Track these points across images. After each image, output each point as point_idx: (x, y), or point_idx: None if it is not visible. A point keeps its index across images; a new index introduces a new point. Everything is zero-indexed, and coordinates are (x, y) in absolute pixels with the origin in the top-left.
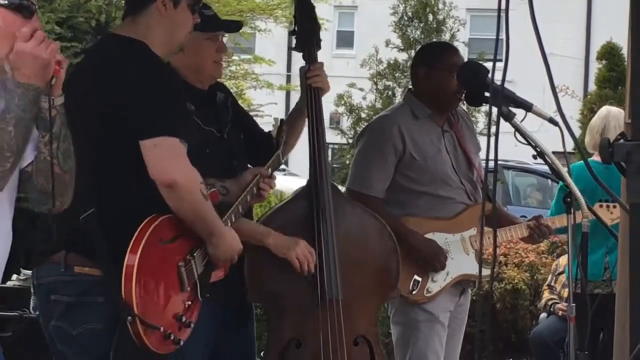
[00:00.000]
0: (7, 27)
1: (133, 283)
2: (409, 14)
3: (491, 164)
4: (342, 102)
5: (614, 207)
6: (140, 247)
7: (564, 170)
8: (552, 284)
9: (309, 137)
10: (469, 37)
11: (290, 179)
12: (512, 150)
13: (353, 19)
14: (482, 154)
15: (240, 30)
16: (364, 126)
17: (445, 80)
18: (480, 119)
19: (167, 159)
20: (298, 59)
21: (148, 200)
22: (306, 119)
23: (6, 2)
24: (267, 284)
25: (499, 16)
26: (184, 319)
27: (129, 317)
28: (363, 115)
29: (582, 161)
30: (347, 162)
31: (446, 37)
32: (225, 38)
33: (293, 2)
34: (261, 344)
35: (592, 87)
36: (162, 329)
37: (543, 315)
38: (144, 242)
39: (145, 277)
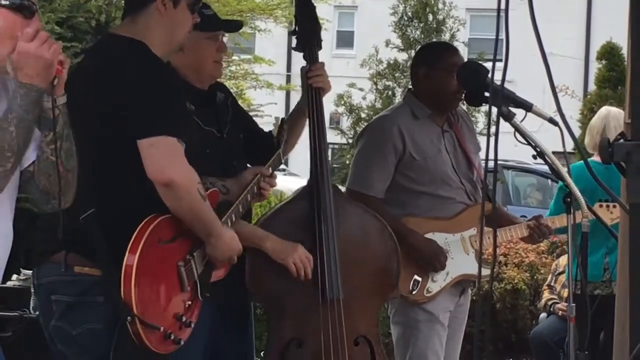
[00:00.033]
0: (8, 27)
1: (132, 283)
2: (409, 14)
3: (491, 164)
4: (342, 102)
5: (614, 206)
6: (139, 247)
7: (563, 170)
8: (552, 284)
9: (310, 137)
10: (468, 37)
11: (290, 179)
12: (512, 150)
13: (353, 19)
14: (482, 154)
15: (240, 30)
16: (363, 126)
17: (445, 80)
18: (480, 119)
19: (164, 158)
20: (298, 59)
21: (148, 200)
22: (307, 119)
23: (7, 2)
24: (268, 284)
25: (498, 16)
26: (184, 318)
27: (129, 318)
28: (363, 115)
29: (581, 161)
30: (347, 162)
31: (446, 37)
32: (225, 38)
33: (293, 2)
34: (261, 344)
35: (592, 87)
36: (162, 328)
37: (543, 315)
38: (143, 242)
39: (145, 277)
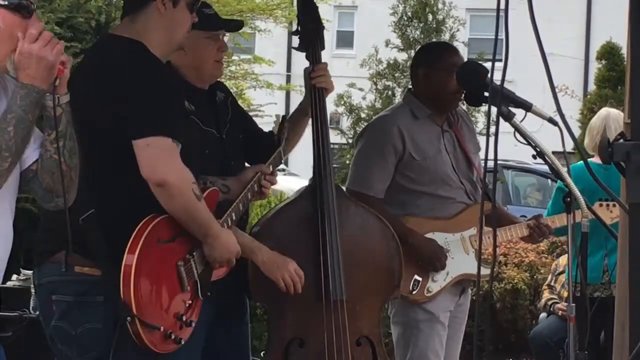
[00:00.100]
0: (7, 27)
1: (131, 283)
2: (409, 14)
3: (491, 164)
4: (342, 102)
5: (614, 206)
6: (138, 247)
7: (563, 170)
8: (552, 283)
9: (314, 137)
10: (468, 37)
11: (290, 179)
12: (511, 150)
13: (353, 19)
14: (482, 154)
15: (240, 30)
16: (363, 126)
17: (445, 80)
18: (480, 119)
19: (158, 158)
20: (298, 59)
21: (148, 201)
22: (309, 119)
23: (6, 2)
24: (270, 284)
25: (498, 16)
26: (184, 318)
27: (128, 318)
28: (363, 115)
29: (581, 162)
30: (347, 162)
31: (446, 37)
32: (226, 37)
33: (293, 3)
34: (261, 343)
35: (591, 87)
36: (162, 328)
37: (543, 315)
38: (141, 242)
39: (144, 277)
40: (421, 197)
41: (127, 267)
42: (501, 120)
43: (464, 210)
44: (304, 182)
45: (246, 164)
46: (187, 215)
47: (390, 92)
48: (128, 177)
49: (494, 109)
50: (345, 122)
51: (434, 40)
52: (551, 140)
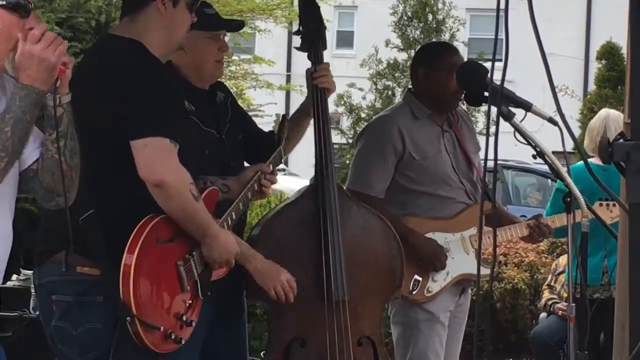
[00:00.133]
0: (5, 27)
1: (130, 283)
2: (409, 13)
3: (491, 163)
4: (342, 102)
5: (614, 205)
6: (137, 247)
7: (563, 170)
8: (552, 283)
9: (316, 137)
10: (468, 37)
11: (290, 179)
12: (511, 150)
13: (353, 19)
14: (482, 154)
15: (240, 30)
16: (363, 126)
17: (445, 80)
18: (480, 119)
19: (155, 159)
20: (298, 59)
21: (147, 201)
22: (311, 119)
23: (3, 2)
24: None
25: (497, 16)
26: (184, 318)
27: (128, 318)
28: (363, 115)
29: (581, 162)
30: (347, 162)
31: (446, 37)
32: (226, 37)
33: (294, 3)
34: (261, 343)
35: (591, 86)
36: (162, 328)
37: (543, 315)
38: (140, 241)
39: (143, 277)
40: (421, 197)
41: (126, 267)
42: (501, 120)
43: (464, 210)
44: (304, 182)
45: (246, 164)
46: (185, 215)
47: (390, 92)
48: (128, 177)
49: (494, 109)
50: (345, 122)
51: (434, 40)
52: (551, 140)
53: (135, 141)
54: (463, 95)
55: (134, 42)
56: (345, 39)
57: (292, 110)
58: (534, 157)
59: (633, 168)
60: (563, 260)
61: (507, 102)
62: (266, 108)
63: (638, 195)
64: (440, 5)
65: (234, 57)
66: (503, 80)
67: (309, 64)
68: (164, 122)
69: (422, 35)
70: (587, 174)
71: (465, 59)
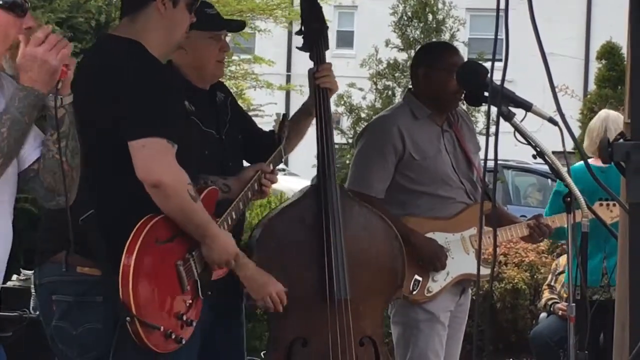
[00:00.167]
0: (1, 26)
1: (130, 283)
2: (409, 13)
3: (491, 163)
4: (342, 102)
5: (614, 205)
6: (136, 247)
7: (563, 170)
8: (552, 283)
9: (318, 137)
10: (468, 36)
11: (290, 179)
12: (512, 150)
13: (353, 18)
14: (482, 154)
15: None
16: (363, 126)
17: (445, 80)
18: (480, 119)
19: (153, 159)
20: (298, 59)
21: (148, 201)
22: (312, 120)
23: (0, 1)
24: None
25: (497, 16)
26: (185, 317)
27: (128, 318)
28: (363, 115)
29: (581, 162)
30: (347, 162)
31: (446, 37)
32: (228, 38)
33: (293, 3)
34: (261, 343)
35: (592, 86)
36: (162, 328)
37: (543, 315)
38: (139, 242)
39: (143, 277)
40: (421, 197)
41: (126, 267)
42: (501, 120)
43: (464, 210)
44: (304, 182)
45: (246, 164)
46: (183, 215)
47: (390, 92)
48: (128, 177)
49: (494, 109)
50: (345, 122)
51: (434, 40)
52: (551, 140)
53: (133, 142)
54: (463, 95)
55: (133, 43)
56: (345, 39)
57: (292, 110)
58: (534, 157)
59: (633, 168)
60: (563, 260)
61: (507, 102)
62: (266, 108)
63: (638, 195)
64: (440, 5)
65: (234, 57)
66: (503, 80)
67: (309, 64)
68: (161, 123)
69: (422, 35)
70: (586, 175)
71: (466, 59)
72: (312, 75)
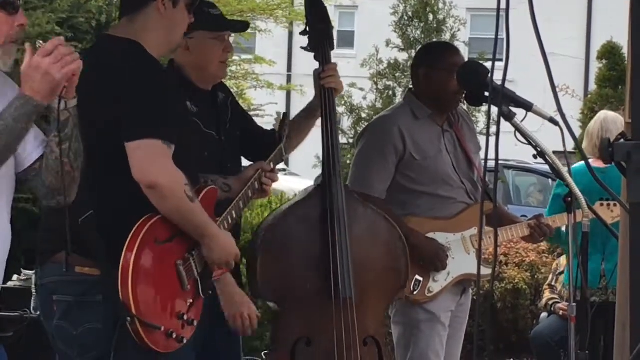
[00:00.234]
0: None
1: (129, 283)
2: (409, 13)
3: (491, 163)
4: (343, 102)
5: (615, 205)
6: (135, 247)
7: (564, 170)
8: (553, 283)
9: (323, 137)
10: (469, 36)
11: (291, 179)
12: (512, 150)
13: (353, 19)
14: (483, 154)
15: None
16: (364, 126)
17: (445, 80)
18: (480, 119)
19: (149, 160)
20: (298, 59)
21: (147, 201)
22: (316, 121)
23: None
24: (277, 281)
25: (498, 16)
26: (186, 317)
27: (128, 318)
28: (363, 115)
29: (580, 163)
30: (348, 162)
31: (446, 37)
32: (231, 38)
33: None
34: (262, 343)
35: (592, 86)
36: (162, 328)
37: (544, 314)
38: (139, 241)
39: (143, 277)
40: (422, 197)
41: (125, 267)
42: (502, 120)
43: (465, 210)
44: (305, 182)
45: (247, 163)
46: (181, 216)
47: (390, 92)
48: (128, 178)
49: (494, 109)
50: (346, 122)
51: (434, 40)
52: (552, 140)
53: (130, 143)
54: (464, 95)
55: (132, 43)
56: (346, 39)
57: (292, 110)
58: (535, 157)
59: (634, 168)
60: (564, 260)
61: (507, 102)
62: (267, 108)
63: (639, 195)
64: (440, 5)
65: (234, 57)
66: (504, 80)
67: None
68: (158, 124)
69: (423, 35)
70: (586, 175)
71: (466, 59)
72: (318, 75)
